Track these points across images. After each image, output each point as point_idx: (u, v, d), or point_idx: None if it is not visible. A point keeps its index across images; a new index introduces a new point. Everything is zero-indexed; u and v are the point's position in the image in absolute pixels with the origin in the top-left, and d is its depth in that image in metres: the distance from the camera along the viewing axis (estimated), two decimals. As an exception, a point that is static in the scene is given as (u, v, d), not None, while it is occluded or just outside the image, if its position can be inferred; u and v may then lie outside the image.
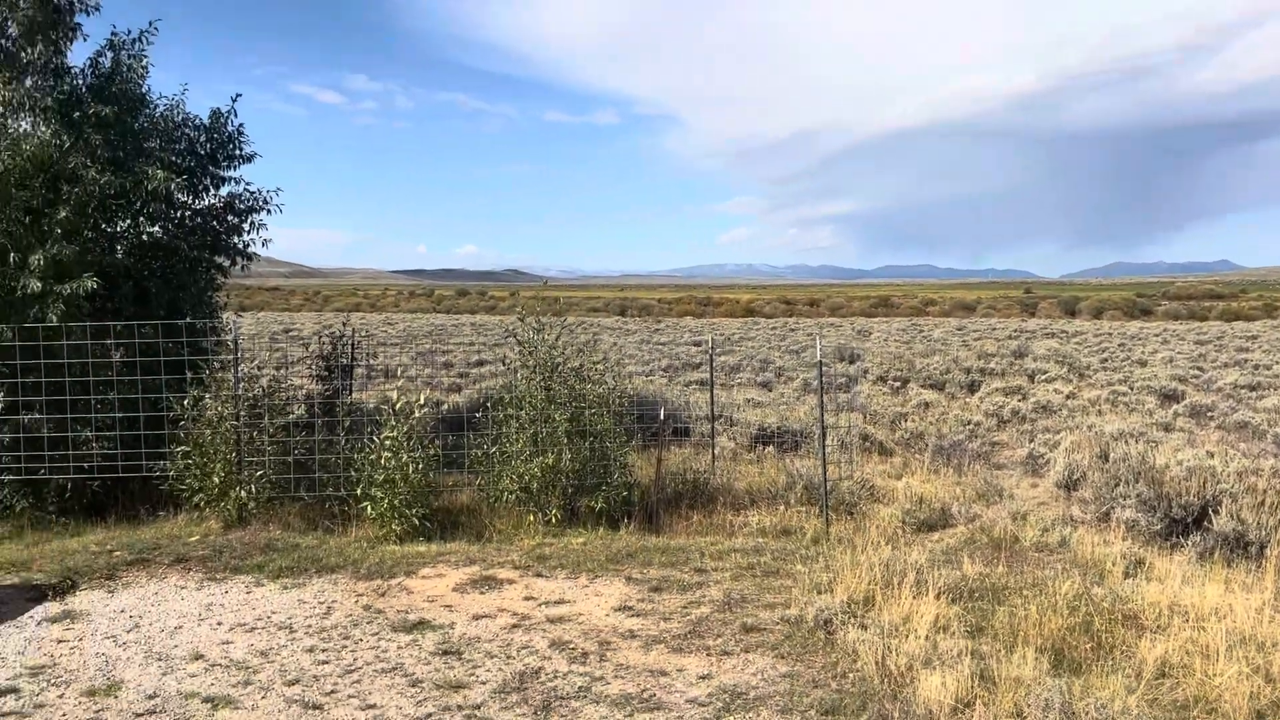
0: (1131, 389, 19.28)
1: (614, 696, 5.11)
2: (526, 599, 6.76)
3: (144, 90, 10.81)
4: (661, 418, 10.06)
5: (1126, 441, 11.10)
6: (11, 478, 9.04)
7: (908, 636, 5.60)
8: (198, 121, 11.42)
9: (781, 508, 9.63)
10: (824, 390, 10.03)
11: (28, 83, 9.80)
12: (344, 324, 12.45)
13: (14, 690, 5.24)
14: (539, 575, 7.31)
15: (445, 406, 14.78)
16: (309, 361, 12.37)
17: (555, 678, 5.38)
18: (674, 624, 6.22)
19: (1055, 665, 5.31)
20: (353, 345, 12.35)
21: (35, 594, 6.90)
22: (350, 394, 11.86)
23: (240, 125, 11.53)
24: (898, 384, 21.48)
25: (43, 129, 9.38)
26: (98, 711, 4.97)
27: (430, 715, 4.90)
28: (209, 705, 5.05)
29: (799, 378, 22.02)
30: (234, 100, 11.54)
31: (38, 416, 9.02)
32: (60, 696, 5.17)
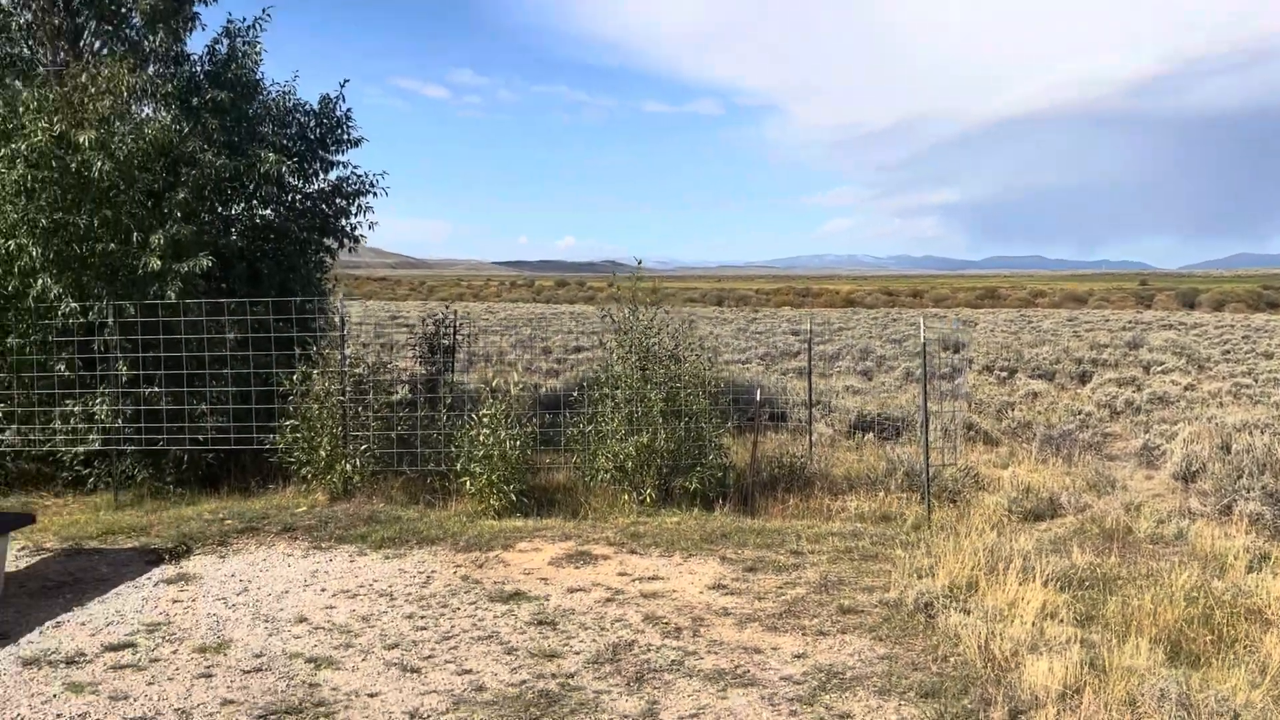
0: (1256, 381, 18.32)
1: (707, 671, 5.07)
2: (620, 574, 6.77)
3: (257, 76, 11.19)
4: (757, 398, 9.95)
5: (1251, 433, 10.53)
6: (134, 448, 9.44)
7: (1013, 622, 5.41)
8: (308, 107, 11.77)
9: (881, 494, 9.43)
10: (927, 378, 9.78)
11: (150, 70, 10.21)
12: (446, 307, 12.64)
13: (132, 645, 5.47)
14: (633, 552, 7.31)
15: (543, 390, 14.94)
16: (414, 343, 12.66)
17: (648, 650, 5.36)
18: (768, 603, 6.14)
19: (1171, 657, 5.07)
20: (454, 328, 12.57)
21: (153, 557, 7.20)
22: (452, 374, 12.08)
23: (348, 110, 11.85)
24: (1004, 374, 20.86)
25: (163, 114, 9.77)
26: (208, 667, 5.15)
27: (525, 682, 4.94)
28: (311, 665, 5.19)
29: (900, 366, 21.57)
30: (342, 86, 11.85)
31: (157, 390, 9.41)
32: (174, 652, 5.37)
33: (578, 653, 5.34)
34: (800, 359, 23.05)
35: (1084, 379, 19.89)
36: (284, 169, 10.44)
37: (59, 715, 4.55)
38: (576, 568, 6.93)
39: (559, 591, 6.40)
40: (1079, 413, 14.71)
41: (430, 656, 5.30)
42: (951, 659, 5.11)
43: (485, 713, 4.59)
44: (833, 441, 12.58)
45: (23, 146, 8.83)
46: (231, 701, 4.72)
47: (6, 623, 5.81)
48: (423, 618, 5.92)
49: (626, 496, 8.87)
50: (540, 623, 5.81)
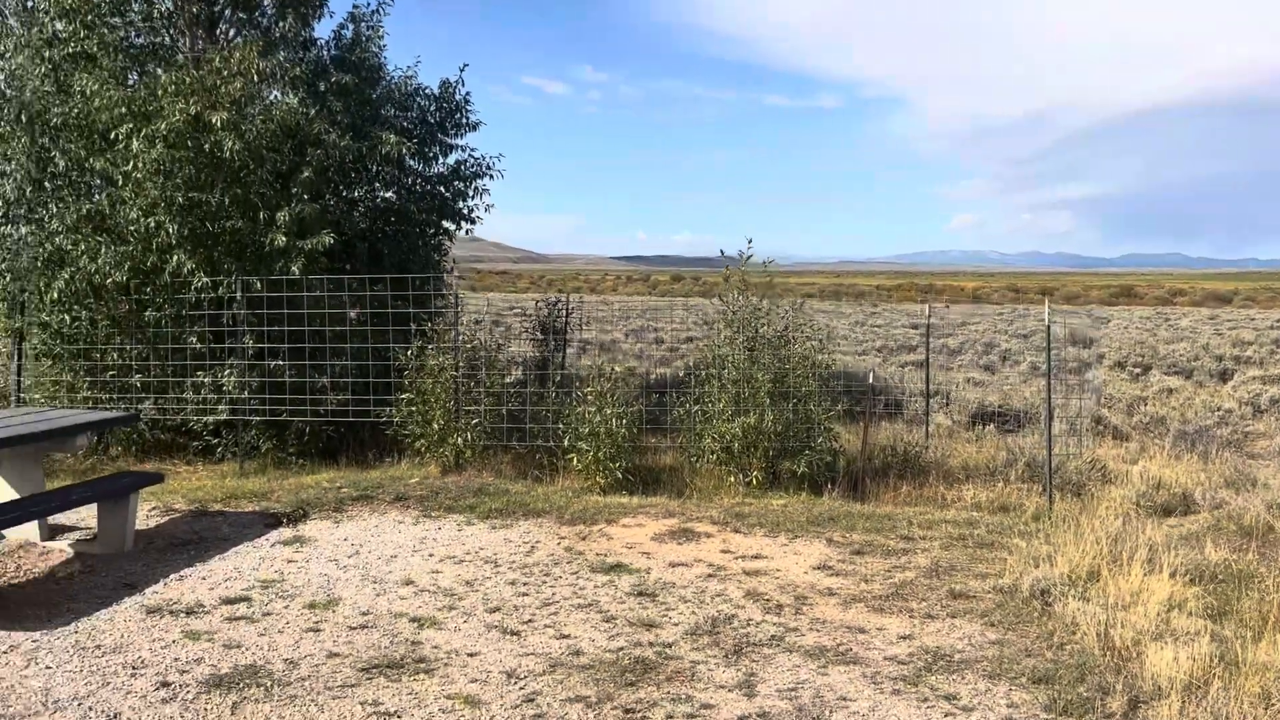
0: None
1: (808, 647, 4.94)
2: (723, 552, 6.68)
3: (381, 61, 11.49)
4: (871, 380, 9.70)
5: None
6: (258, 419, 9.82)
7: (1136, 611, 5.11)
8: (428, 91, 12.03)
9: (1000, 484, 9.07)
10: (1055, 371, 9.37)
11: (280, 56, 10.59)
12: (559, 291, 12.72)
13: (247, 599, 5.66)
14: (736, 531, 7.21)
15: (653, 377, 14.94)
16: (527, 325, 12.82)
17: (748, 625, 5.26)
18: (875, 585, 5.96)
19: (1314, 655, 4.70)
20: (566, 311, 12.67)
21: (272, 520, 7.46)
22: (563, 354, 12.18)
23: (467, 94, 12.05)
24: (1138, 370, 19.88)
25: (290, 97, 10.12)
26: (316, 622, 5.29)
27: (622, 649, 4.91)
28: (415, 624, 5.28)
29: (1026, 360, 20.80)
30: (461, 70, 12.07)
31: (281, 363, 9.76)
32: (285, 607, 5.54)
33: (676, 624, 5.28)
34: (919, 352, 22.46)
35: (1225, 376, 18.79)
36: (404, 151, 10.67)
37: (176, 659, 4.74)
38: (679, 544, 6.88)
39: (660, 565, 6.36)
40: (1218, 409, 13.89)
41: (530, 621, 5.33)
42: (1068, 646, 4.85)
43: (581, 676, 4.58)
44: (951, 432, 12.19)
45: (161, 127, 9.27)
46: (337, 655, 4.83)
47: (134, 574, 6.09)
48: (525, 584, 5.96)
49: (732, 478, 8.77)
50: (640, 594, 5.78)
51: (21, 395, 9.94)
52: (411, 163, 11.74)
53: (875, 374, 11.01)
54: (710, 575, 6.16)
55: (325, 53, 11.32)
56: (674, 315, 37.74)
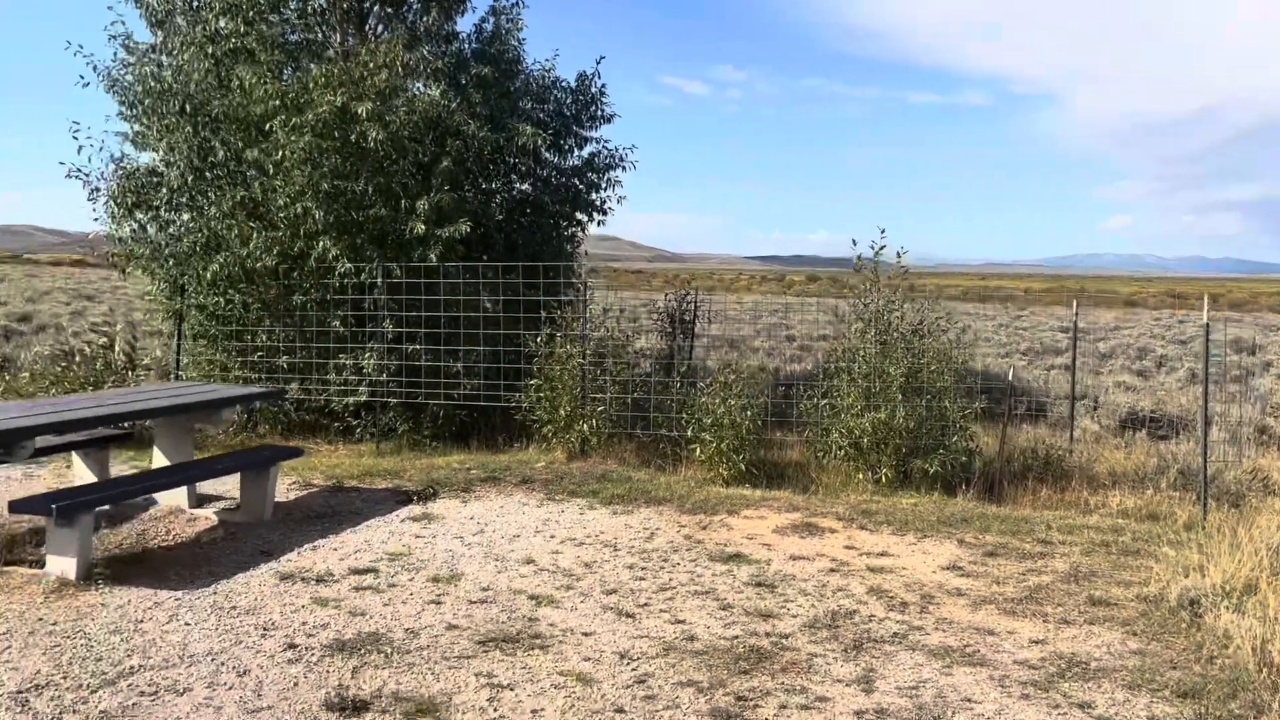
0: None
1: (932, 646, 4.75)
2: (847, 548, 6.50)
3: (519, 54, 11.69)
4: (1010, 378, 9.29)
5: None
6: (396, 401, 10.13)
7: (1299, 628, 4.70)
8: (565, 84, 12.17)
9: (1149, 491, 8.55)
10: (1216, 377, 8.77)
11: (424, 50, 10.90)
12: (688, 283, 12.69)
13: (374, 570, 5.82)
14: (862, 528, 7.01)
15: (783, 373, 14.74)
16: (655, 317, 12.83)
17: (870, 621, 5.09)
18: (1008, 588, 5.69)
19: None
20: (695, 304, 12.61)
21: (403, 498, 7.67)
22: (690, 344, 12.13)
23: (603, 86, 12.14)
24: (1310, 380, 18.45)
25: (432, 90, 10.39)
26: (438, 595, 5.39)
27: (737, 637, 4.82)
28: (533, 601, 5.32)
29: (1183, 366, 19.61)
30: (598, 63, 12.17)
31: (418, 348, 10.04)
32: (410, 579, 5.67)
33: (795, 615, 5.16)
34: (1067, 356, 21.45)
35: None
36: (539, 142, 10.82)
37: (304, 623, 4.90)
38: (801, 538, 6.73)
39: (780, 558, 6.23)
40: (1403, 422, 12.75)
41: (646, 604, 5.30)
42: (1219, 660, 4.51)
43: (694, 661, 4.52)
44: (1098, 437, 11.58)
45: (310, 118, 9.66)
46: (456, 627, 4.91)
47: (271, 542, 6.35)
48: (643, 569, 5.93)
49: (860, 475, 8.54)
50: (758, 584, 5.67)
51: (179, 373, 10.52)
52: (547, 155, 11.91)
53: (1016, 374, 10.55)
54: (832, 570, 6.00)
55: (466, 46, 11.60)
56: (807, 314, 37.23)
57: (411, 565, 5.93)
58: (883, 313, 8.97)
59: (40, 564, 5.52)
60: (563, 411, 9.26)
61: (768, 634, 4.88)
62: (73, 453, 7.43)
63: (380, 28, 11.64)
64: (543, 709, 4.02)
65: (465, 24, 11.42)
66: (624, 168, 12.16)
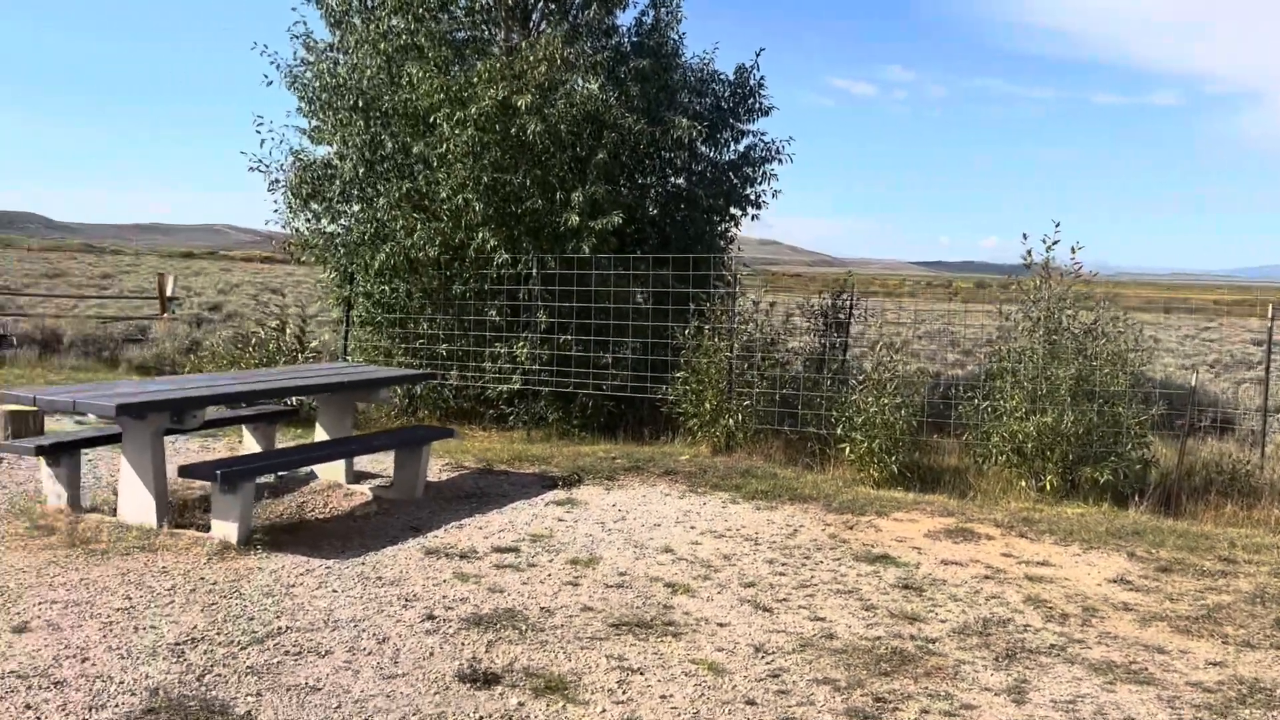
0: None
1: (1093, 661, 4.40)
2: (1004, 555, 6.14)
3: (678, 46, 11.67)
4: (1193, 385, 8.61)
5: None
6: (548, 390, 10.27)
7: None
8: (724, 77, 12.06)
9: (1354, 514, 7.75)
10: None
11: (584, 43, 11.01)
12: (844, 279, 12.35)
13: (515, 550, 5.87)
14: (1022, 536, 6.61)
15: (944, 377, 14.16)
16: (808, 315, 12.54)
17: (1025, 631, 4.77)
18: (1182, 605, 5.23)
19: None
20: (851, 303, 12.26)
21: (549, 483, 7.74)
22: (846, 340, 11.81)
23: (761, 78, 11.97)
24: None
25: (591, 83, 10.48)
26: (576, 577, 5.38)
27: (879, 638, 4.60)
28: (669, 589, 5.24)
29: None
30: (757, 55, 12.00)
31: (569, 338, 10.14)
32: (550, 560, 5.69)
33: (943, 620, 4.89)
34: (1260, 370, 19.83)
35: None
36: (694, 135, 10.75)
37: (444, 596, 4.98)
38: (954, 543, 6.40)
39: (931, 562, 5.94)
40: None
41: (784, 600, 5.13)
42: None
43: (832, 659, 4.33)
44: (1293, 455, 10.60)
45: (472, 112, 9.90)
46: (590, 609, 4.88)
47: (420, 519, 6.51)
48: (783, 564, 5.77)
49: (1022, 482, 8.09)
50: (905, 587, 5.41)
51: (346, 357, 10.99)
52: (702, 148, 11.83)
53: (1199, 383, 9.78)
54: (987, 577, 5.67)
55: (625, 40, 11.66)
56: (972, 319, 35.84)
57: (552, 547, 5.96)
58: (1053, 311, 8.47)
59: (206, 528, 5.82)
60: (708, 405, 9.16)
61: (912, 637, 4.64)
62: (243, 427, 7.85)
63: (544, 24, 11.83)
64: (672, 695, 3.93)
65: (626, 18, 11.51)
66: (780, 160, 11.96)
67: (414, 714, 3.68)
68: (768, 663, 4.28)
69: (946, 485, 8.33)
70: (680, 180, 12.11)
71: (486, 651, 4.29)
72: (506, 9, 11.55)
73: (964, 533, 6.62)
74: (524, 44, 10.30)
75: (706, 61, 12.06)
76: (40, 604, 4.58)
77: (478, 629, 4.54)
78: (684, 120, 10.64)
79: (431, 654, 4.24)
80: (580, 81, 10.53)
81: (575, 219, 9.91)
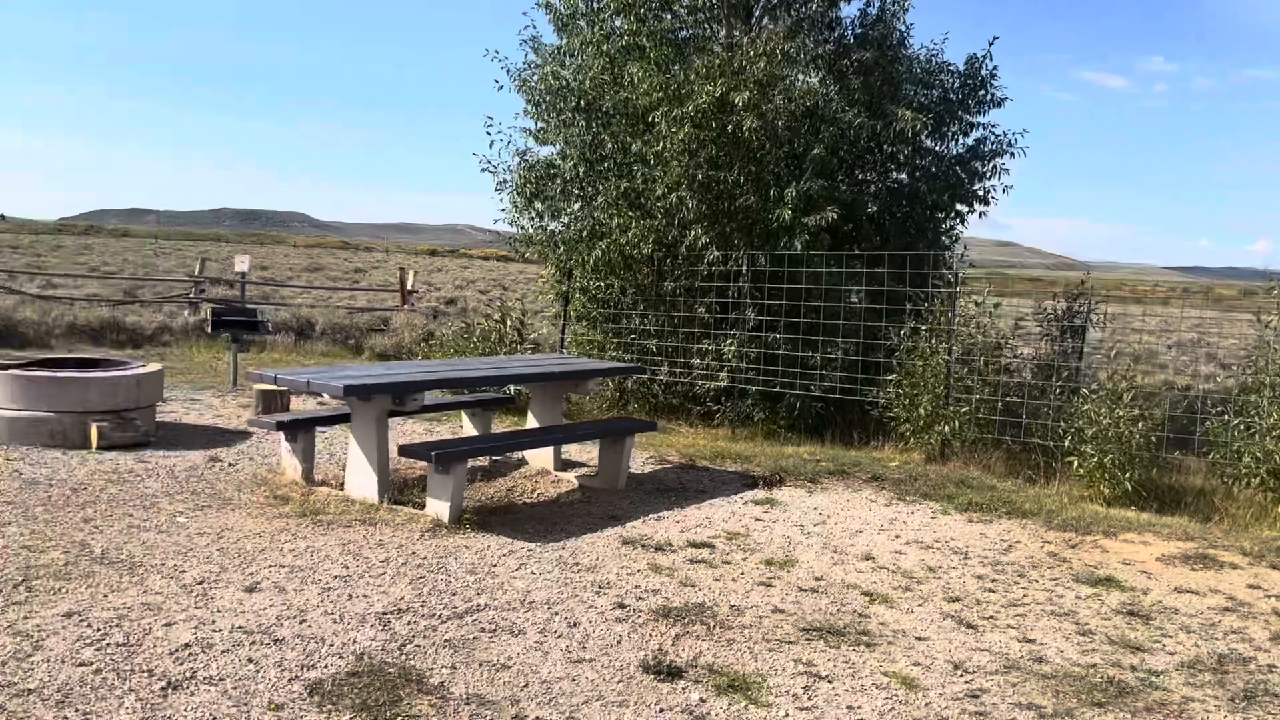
0: None
1: (1353, 715, 3.87)
2: (1251, 587, 5.52)
3: (904, 37, 11.27)
4: None
5: None
6: (754, 389, 10.18)
7: None
8: (952, 68, 11.55)
9: None
10: None
11: (805, 37, 10.84)
12: (1081, 282, 11.54)
13: (710, 546, 5.84)
14: (1274, 568, 5.92)
15: (1193, 390, 12.96)
16: (1038, 320, 11.80)
17: (1269, 671, 4.26)
18: None
19: None
20: (1089, 309, 11.44)
21: (749, 481, 7.66)
22: (1080, 354, 11.03)
23: (994, 69, 11.36)
24: None
25: (811, 77, 10.30)
26: (769, 578, 5.28)
27: (1095, 666, 4.24)
28: (866, 598, 5.05)
29: None
30: (990, 44, 11.41)
31: (778, 337, 10.01)
32: (744, 559, 5.62)
33: (1171, 653, 4.44)
34: None
35: None
36: (919, 127, 10.35)
37: (636, 586, 5.01)
38: (1192, 570, 5.82)
39: (1162, 588, 5.42)
40: None
41: (991, 618, 4.83)
42: None
43: (1039, 684, 4.03)
44: None
45: (690, 109, 9.95)
46: (781, 611, 4.77)
47: (620, 509, 6.60)
48: (993, 581, 5.43)
49: (1279, 509, 7.25)
50: (1130, 613, 4.96)
51: (563, 350, 11.33)
52: (927, 142, 11.38)
53: None
54: (1227, 609, 5.11)
55: (849, 32, 11.38)
56: (1234, 328, 32.71)
57: (747, 546, 5.88)
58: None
59: (422, 506, 6.14)
60: (922, 410, 8.78)
61: (1133, 668, 4.24)
62: (463, 412, 8.25)
63: (764, 18, 11.74)
64: (859, 705, 3.77)
65: (850, 10, 11.20)
66: (1011, 154, 11.32)
67: (597, 699, 3.71)
68: (966, 681, 4.03)
69: (1188, 507, 7.59)
70: (902, 175, 11.70)
71: (673, 644, 4.27)
72: (729, 5, 11.53)
73: (1204, 559, 6.01)
74: (745, 40, 10.24)
75: (934, 52, 11.59)
76: (270, 567, 4.97)
77: (666, 621, 4.54)
78: (908, 113, 10.26)
79: (619, 642, 4.27)
80: (800, 76, 10.36)
81: (788, 215, 9.76)
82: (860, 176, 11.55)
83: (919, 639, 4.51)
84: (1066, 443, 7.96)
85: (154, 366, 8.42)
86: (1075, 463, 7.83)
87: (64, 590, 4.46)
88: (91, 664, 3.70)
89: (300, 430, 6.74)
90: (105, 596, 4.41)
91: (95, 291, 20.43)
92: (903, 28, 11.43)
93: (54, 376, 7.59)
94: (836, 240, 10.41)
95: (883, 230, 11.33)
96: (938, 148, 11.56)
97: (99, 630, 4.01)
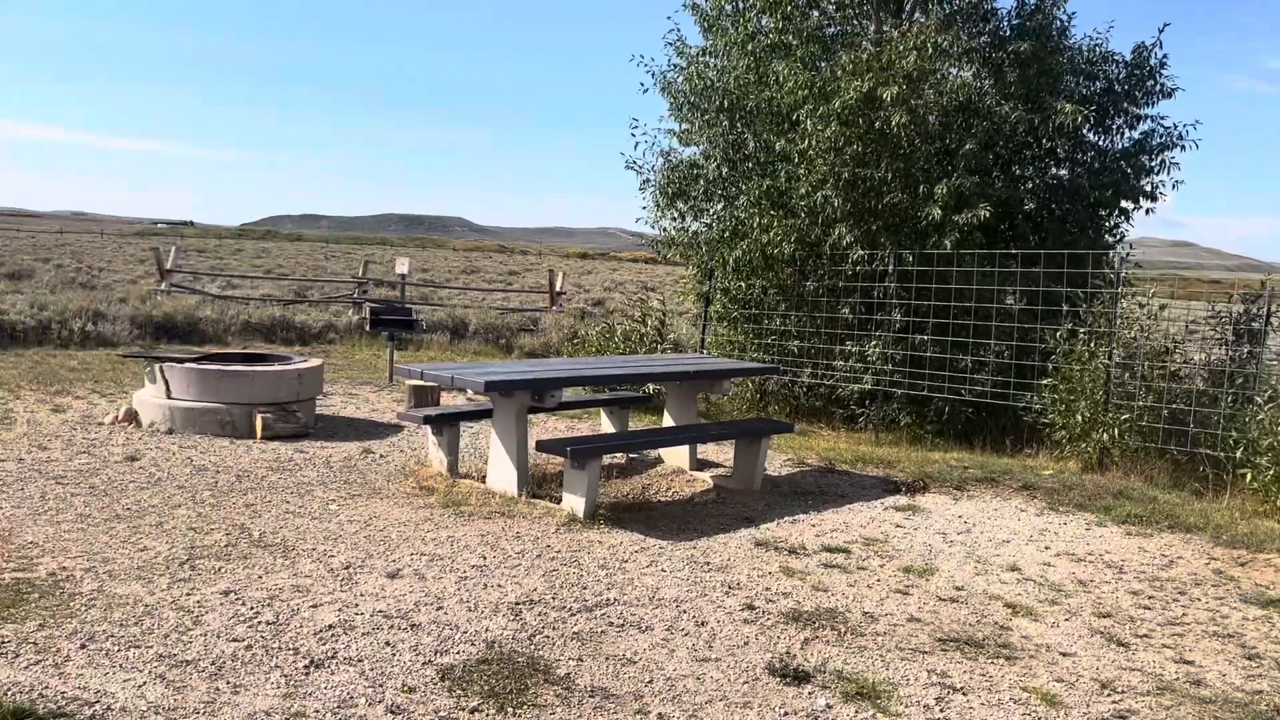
0: None
1: None
2: None
3: (1064, 26, 10.76)
4: None
5: None
6: (902, 392, 9.92)
7: None
8: (1117, 58, 10.95)
9: None
10: None
11: (959, 30, 10.49)
12: (1261, 284, 10.74)
13: (846, 551, 5.72)
14: None
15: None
16: (1212, 323, 11.05)
17: None
18: None
19: None
20: (1268, 311, 10.64)
21: (891, 487, 7.47)
22: (1257, 361, 10.26)
23: (1164, 57, 10.73)
24: None
25: (964, 71, 9.96)
26: (906, 586, 5.13)
27: (1260, 693, 3.93)
28: (1009, 610, 4.83)
29: None
30: (1160, 31, 10.77)
31: (926, 339, 9.72)
32: (880, 565, 5.47)
33: (1351, 685, 4.07)
34: None
35: None
36: (1080, 120, 9.85)
37: (767, 589, 4.95)
38: (1382, 595, 5.32)
39: (1346, 614, 4.98)
40: None
41: (1145, 636, 4.54)
42: None
43: (1195, 708, 3.76)
44: None
45: (836, 106, 9.78)
46: (917, 620, 4.62)
47: (754, 511, 6.54)
48: (1150, 598, 5.11)
49: None
50: (1305, 639, 4.58)
51: (704, 350, 11.33)
52: (1089, 136, 10.83)
53: None
54: None
55: (1005, 23, 10.94)
56: None
57: (885, 553, 5.73)
58: None
59: (558, 500, 6.25)
60: (1080, 417, 8.35)
61: (1306, 698, 3.91)
62: (602, 410, 8.35)
63: (915, 12, 11.43)
64: (994, 722, 3.61)
65: (1006, 0, 10.70)
66: (1183, 147, 10.63)
67: (720, 699, 3.68)
68: (1114, 702, 3.81)
69: (1381, 528, 6.96)
70: (1062, 171, 11.17)
71: (801, 648, 4.20)
72: (878, 1, 11.29)
73: (1397, 586, 5.49)
74: (895, 34, 10.00)
75: (1098, 42, 11.00)
76: (412, 555, 5.15)
77: (796, 625, 4.46)
78: (1068, 106, 9.79)
79: (746, 643, 4.23)
80: (952, 70, 10.04)
81: (938, 213, 9.46)
82: (1016, 172, 11.09)
83: (1064, 654, 4.28)
84: (1239, 454, 7.43)
85: (315, 362, 8.87)
86: (1249, 475, 7.29)
87: (223, 570, 4.74)
88: (243, 640, 3.92)
89: (446, 424, 6.96)
90: (260, 577, 4.67)
91: (269, 292, 21.71)
92: (1063, 17, 10.92)
93: (224, 370, 8.10)
94: (990, 239, 10.03)
95: (1040, 228, 10.85)
96: (1101, 142, 10.99)
97: (252, 609, 4.25)
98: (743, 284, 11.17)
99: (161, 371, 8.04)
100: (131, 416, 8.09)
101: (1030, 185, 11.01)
